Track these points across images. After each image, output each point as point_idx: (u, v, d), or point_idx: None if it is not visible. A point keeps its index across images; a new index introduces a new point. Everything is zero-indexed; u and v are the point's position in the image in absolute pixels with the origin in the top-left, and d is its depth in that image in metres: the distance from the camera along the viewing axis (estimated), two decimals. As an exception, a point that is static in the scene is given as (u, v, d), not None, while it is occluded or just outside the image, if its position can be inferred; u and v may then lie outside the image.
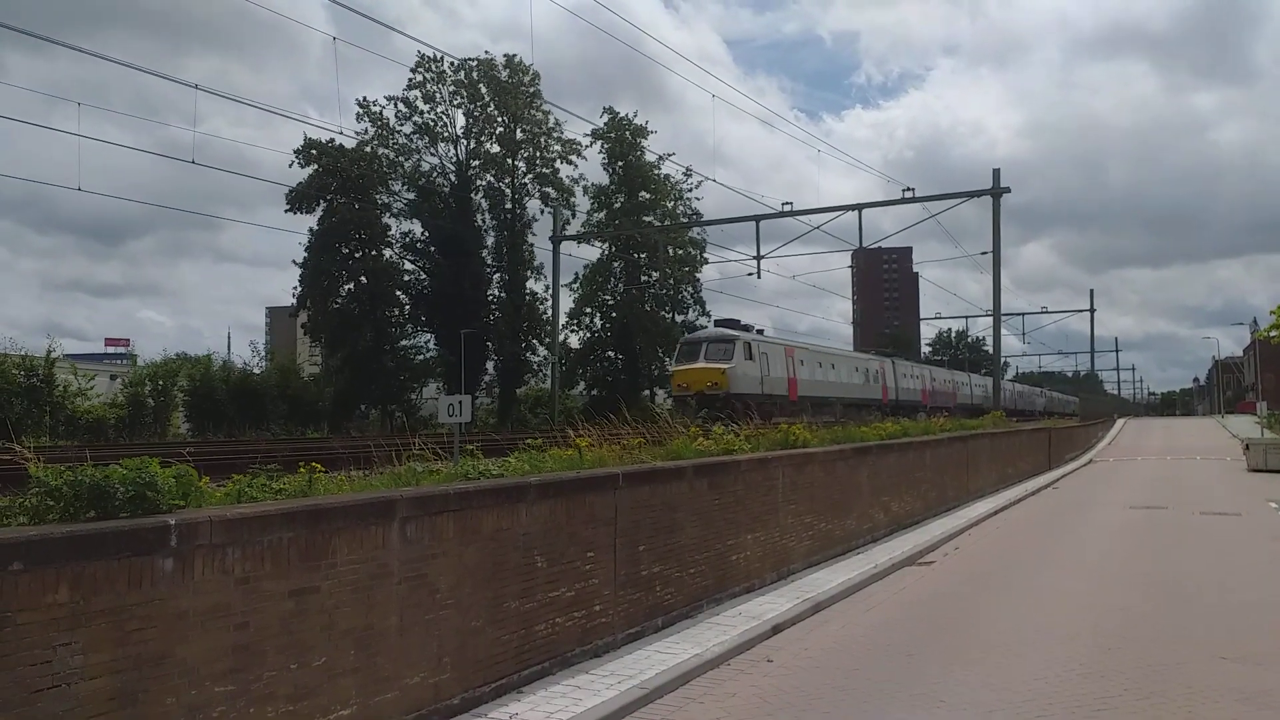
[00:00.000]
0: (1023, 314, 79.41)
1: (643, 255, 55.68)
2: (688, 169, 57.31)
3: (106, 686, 4.75)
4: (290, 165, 45.90)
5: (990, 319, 43.95)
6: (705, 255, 55.84)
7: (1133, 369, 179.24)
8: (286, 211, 46.17)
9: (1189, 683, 8.10)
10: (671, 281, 56.22)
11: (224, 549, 5.36)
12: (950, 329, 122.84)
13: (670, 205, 56.01)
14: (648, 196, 55.16)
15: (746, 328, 37.22)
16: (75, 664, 4.63)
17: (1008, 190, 37.35)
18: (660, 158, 54.31)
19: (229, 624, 5.37)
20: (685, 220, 54.87)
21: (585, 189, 54.26)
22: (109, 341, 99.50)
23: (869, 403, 43.23)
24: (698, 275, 57.12)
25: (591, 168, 54.75)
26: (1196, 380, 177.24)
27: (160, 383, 31.34)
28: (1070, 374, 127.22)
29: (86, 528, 4.83)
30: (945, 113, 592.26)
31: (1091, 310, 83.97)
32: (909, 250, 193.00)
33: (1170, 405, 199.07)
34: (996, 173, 37.43)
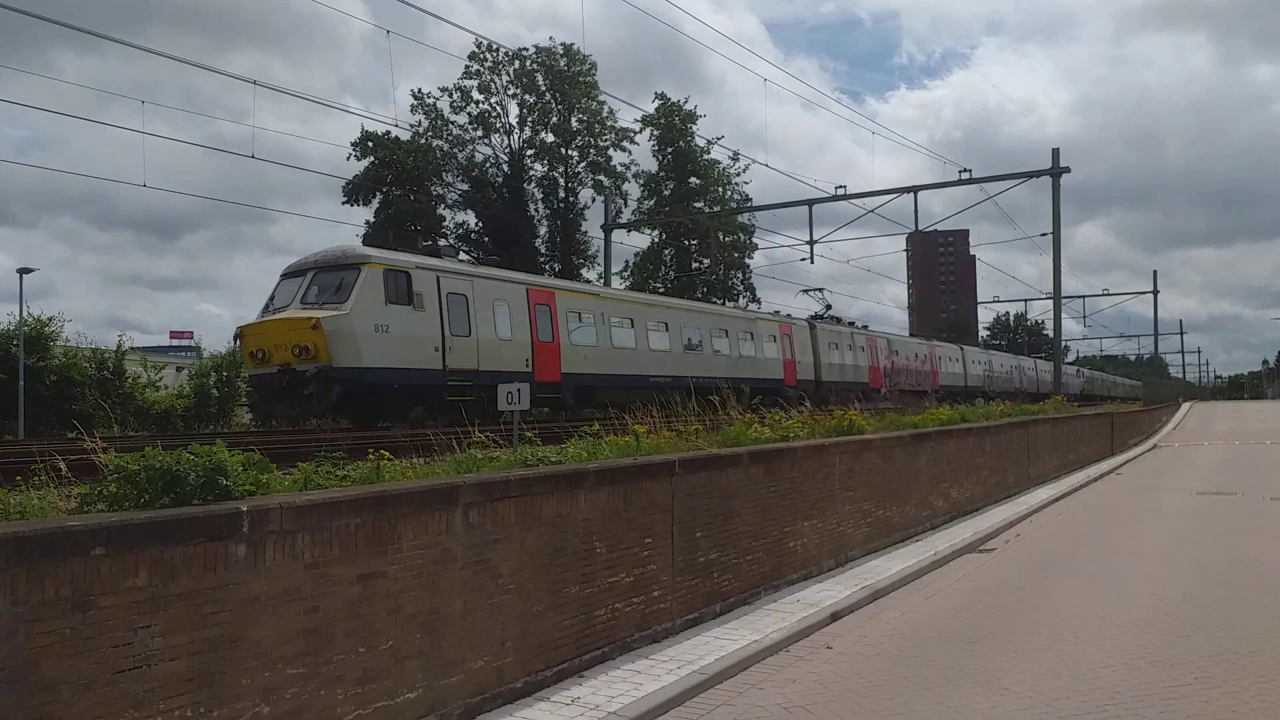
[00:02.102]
0: (1083, 297, 77.06)
1: (693, 242, 55.57)
2: (735, 153, 56.76)
3: (184, 668, 4.91)
4: (347, 158, 46.64)
5: (1047, 302, 43.06)
6: (755, 241, 55.58)
7: (1198, 352, 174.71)
8: (344, 204, 46.91)
9: (1262, 672, 7.91)
10: (721, 268, 56.03)
11: (294, 535, 5.49)
12: (1008, 313, 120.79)
13: (720, 191, 55.76)
14: (697, 183, 54.99)
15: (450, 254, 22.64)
16: (155, 646, 4.79)
17: (1067, 170, 36.49)
18: (709, 142, 54.06)
19: (300, 608, 5.50)
20: (734, 206, 54.61)
21: (636, 175, 54.27)
22: (174, 334, 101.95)
23: (762, 386, 27.72)
24: (748, 261, 56.90)
25: (640, 153, 54.70)
26: (1266, 363, 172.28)
27: (225, 374, 31.99)
28: (1133, 358, 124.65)
29: (164, 514, 4.98)
30: (993, 91, 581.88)
31: (1155, 292, 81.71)
32: (965, 233, 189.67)
33: (1238, 389, 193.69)
34: (1056, 152, 36.58)
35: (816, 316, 38.82)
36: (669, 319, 27.39)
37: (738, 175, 56.01)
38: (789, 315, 36.70)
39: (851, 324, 41.48)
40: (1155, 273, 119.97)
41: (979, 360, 56.06)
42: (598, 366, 23.29)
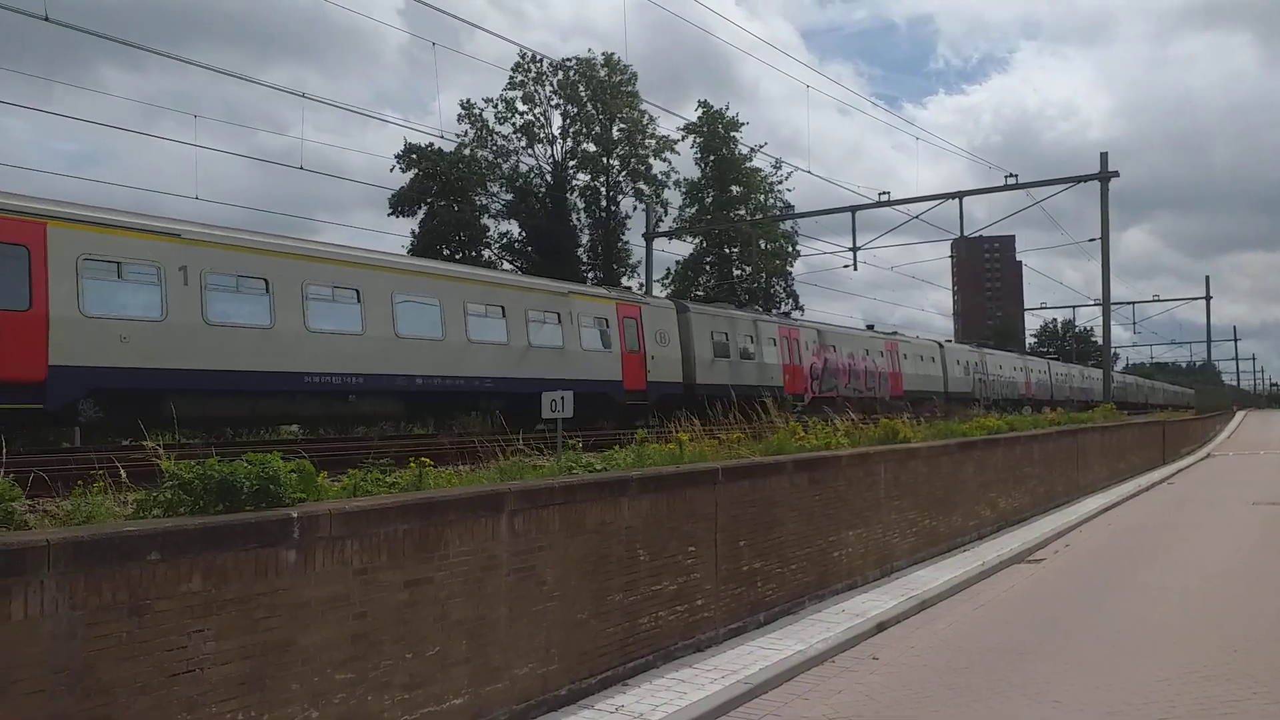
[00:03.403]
0: (1132, 303, 74.95)
1: (734, 250, 55.54)
2: (778, 160, 56.67)
3: (236, 672, 4.98)
4: (391, 169, 47.19)
5: (1095, 308, 41.96)
6: (797, 248, 55.33)
7: (1253, 359, 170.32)
8: (389, 215, 47.53)
9: (1324, 687, 7.70)
10: (763, 275, 55.89)
11: (343, 541, 5.56)
12: (1055, 319, 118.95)
13: (762, 198, 55.66)
14: (739, 190, 54.94)
15: None
16: (208, 650, 4.87)
17: (1116, 174, 35.77)
18: (752, 150, 54.00)
19: (348, 614, 5.57)
20: (776, 213, 54.43)
21: (677, 184, 54.35)
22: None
23: (579, 391, 13.63)
24: (789, 269, 56.68)
25: (681, 161, 54.76)
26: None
27: (272, 382, 32.39)
28: (1184, 365, 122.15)
29: (217, 520, 5.07)
30: (1033, 96, 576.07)
31: (1207, 298, 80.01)
32: (1012, 239, 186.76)
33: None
34: (1104, 157, 35.91)
35: (700, 299, 30.98)
36: (363, 284, 17.24)
37: (780, 183, 55.93)
38: (643, 292, 27.19)
39: (760, 309, 33.03)
40: (1208, 278, 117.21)
41: (966, 361, 46.58)
42: (166, 357, 14.39)
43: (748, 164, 54.45)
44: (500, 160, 50.38)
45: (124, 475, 5.77)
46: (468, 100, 50.25)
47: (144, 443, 6.56)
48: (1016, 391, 50.77)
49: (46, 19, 17.27)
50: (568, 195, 51.46)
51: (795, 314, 49.32)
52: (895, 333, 43.07)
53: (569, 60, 50.27)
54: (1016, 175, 36.01)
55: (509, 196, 50.59)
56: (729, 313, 29.55)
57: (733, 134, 54.02)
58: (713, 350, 27.11)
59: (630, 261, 52.33)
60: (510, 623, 6.69)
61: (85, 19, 18.19)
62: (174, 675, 4.73)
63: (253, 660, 5.06)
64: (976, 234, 47.95)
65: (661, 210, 52.41)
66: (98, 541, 4.53)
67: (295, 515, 5.33)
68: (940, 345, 44.80)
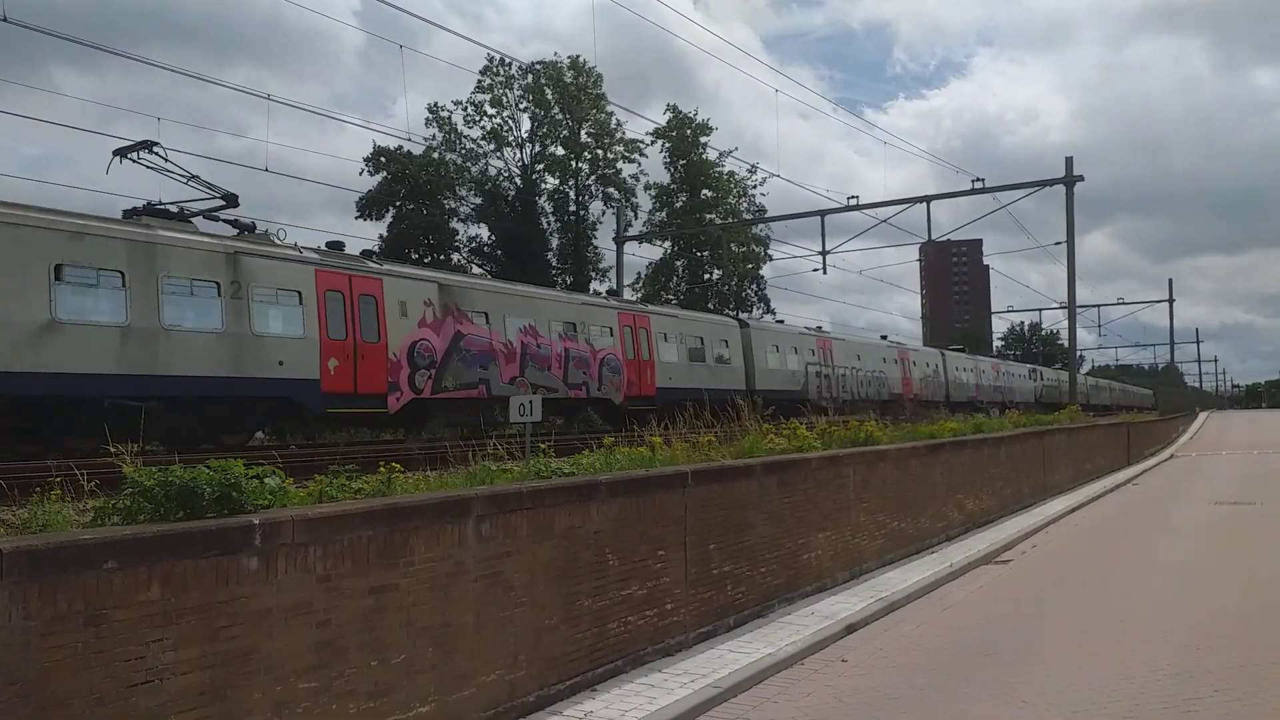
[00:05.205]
0: (1097, 306, 76.01)
1: (705, 253, 55.78)
2: (753, 166, 56.97)
3: (196, 682, 4.89)
4: (360, 173, 46.90)
5: (1060, 311, 42.36)
6: (769, 252, 55.68)
7: (1214, 360, 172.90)
8: (357, 218, 47.24)
9: (1284, 684, 7.80)
10: (734, 279, 56.16)
11: (306, 548, 5.48)
12: (1023, 323, 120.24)
13: (733, 202, 55.97)
14: (710, 194, 55.22)
15: None
16: (167, 660, 4.78)
17: (1081, 179, 36.24)
18: (721, 154, 54.32)
19: (311, 621, 5.49)
20: (748, 216, 54.75)
21: (647, 187, 54.51)
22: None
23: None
24: (761, 272, 57.03)
25: (651, 165, 54.89)
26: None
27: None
28: (1148, 367, 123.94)
29: (176, 527, 4.98)
30: (992, 100, 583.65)
31: (1170, 300, 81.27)
32: (979, 242, 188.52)
33: (1255, 397, 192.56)
34: (1069, 161, 36.35)
35: (671, 303, 22.67)
36: None
37: (754, 188, 56.28)
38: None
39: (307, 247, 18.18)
40: (1170, 281, 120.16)
41: (793, 347, 33.49)
42: None
43: (717, 169, 54.77)
44: (469, 164, 50.26)
45: (86, 484, 5.66)
46: (435, 104, 50.10)
47: (109, 448, 6.43)
48: (887, 391, 39.21)
49: (5, 19, 16.99)
50: (537, 199, 51.41)
51: (767, 318, 48.84)
52: (644, 303, 31.35)
53: (537, 64, 50.19)
54: (983, 179, 36.37)
55: (478, 200, 50.46)
56: (147, 234, 14.99)
57: (702, 139, 54.33)
58: (60, 305, 13.51)
59: (601, 266, 52.37)
60: (477, 629, 6.64)
61: (41, 20, 17.91)
62: (132, 686, 4.64)
63: (213, 670, 4.98)
64: (944, 238, 48.19)
65: (632, 214, 52.52)
66: (52, 550, 4.42)
67: (257, 522, 5.25)
68: (742, 325, 31.54)
